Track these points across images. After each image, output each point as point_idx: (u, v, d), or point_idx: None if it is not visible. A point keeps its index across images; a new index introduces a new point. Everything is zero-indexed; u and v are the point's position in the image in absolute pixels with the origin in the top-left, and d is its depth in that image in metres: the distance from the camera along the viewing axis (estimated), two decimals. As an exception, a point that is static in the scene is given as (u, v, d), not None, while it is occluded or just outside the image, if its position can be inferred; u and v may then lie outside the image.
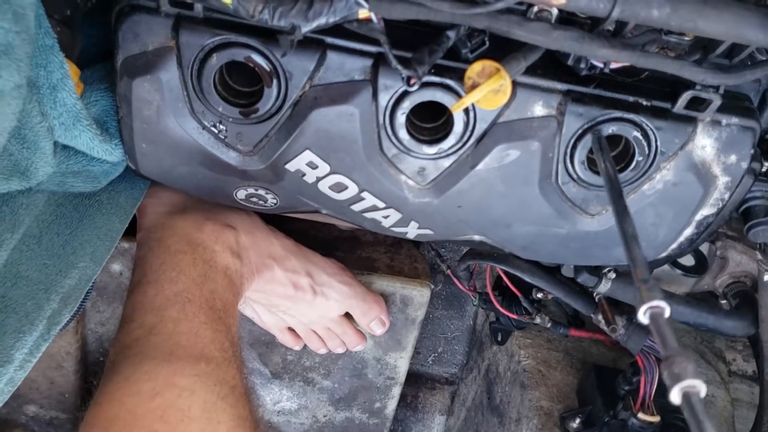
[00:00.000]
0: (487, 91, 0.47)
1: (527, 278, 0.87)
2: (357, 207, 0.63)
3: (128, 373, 0.60)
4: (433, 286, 0.99)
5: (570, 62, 0.55)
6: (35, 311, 0.62)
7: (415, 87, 0.51)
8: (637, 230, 0.62)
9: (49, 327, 0.64)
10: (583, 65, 0.53)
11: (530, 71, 0.55)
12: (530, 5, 0.50)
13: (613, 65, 0.54)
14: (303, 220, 0.96)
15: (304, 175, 0.60)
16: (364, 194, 0.61)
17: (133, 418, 0.57)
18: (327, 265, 0.89)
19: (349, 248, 1.00)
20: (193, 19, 0.52)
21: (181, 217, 0.77)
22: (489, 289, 0.96)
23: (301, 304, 0.88)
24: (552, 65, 0.56)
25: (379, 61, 0.54)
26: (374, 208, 0.63)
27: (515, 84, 0.55)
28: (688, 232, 0.64)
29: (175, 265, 0.71)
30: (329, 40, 0.53)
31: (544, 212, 0.61)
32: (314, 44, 0.53)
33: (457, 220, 0.63)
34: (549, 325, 0.98)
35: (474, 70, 0.48)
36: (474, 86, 0.48)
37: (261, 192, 0.63)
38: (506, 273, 0.95)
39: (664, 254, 0.67)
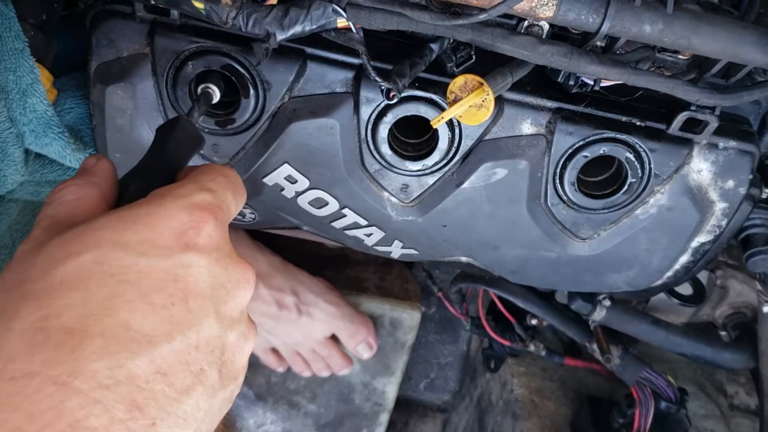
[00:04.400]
0: (469, 106, 0.45)
1: (520, 303, 0.84)
2: (338, 224, 0.60)
3: None
4: (424, 309, 0.97)
5: (560, 79, 0.53)
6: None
7: (395, 100, 0.49)
8: (631, 256, 0.60)
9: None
10: (573, 82, 0.51)
11: (519, 88, 0.53)
12: (521, 20, 0.48)
13: (604, 83, 0.51)
14: (291, 237, 0.94)
15: (282, 189, 0.57)
16: (345, 211, 0.59)
17: None
18: (314, 284, 0.86)
19: (338, 267, 0.98)
20: (169, 25, 0.50)
21: None
22: (481, 314, 0.93)
23: (286, 323, 0.85)
24: (542, 82, 0.54)
25: (361, 74, 0.52)
26: (356, 226, 0.60)
27: (503, 101, 0.53)
28: (684, 259, 0.61)
29: None
30: (310, 50, 0.51)
31: (532, 235, 0.59)
32: (294, 54, 0.51)
33: (442, 240, 0.61)
34: (544, 353, 0.95)
35: (456, 84, 0.46)
36: (456, 100, 0.46)
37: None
38: (500, 298, 0.93)
39: (659, 282, 0.64)
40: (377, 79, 0.46)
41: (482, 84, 0.45)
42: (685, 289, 0.79)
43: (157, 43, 0.51)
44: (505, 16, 0.47)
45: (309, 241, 0.96)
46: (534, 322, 0.95)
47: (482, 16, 0.42)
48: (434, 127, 0.47)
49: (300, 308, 0.84)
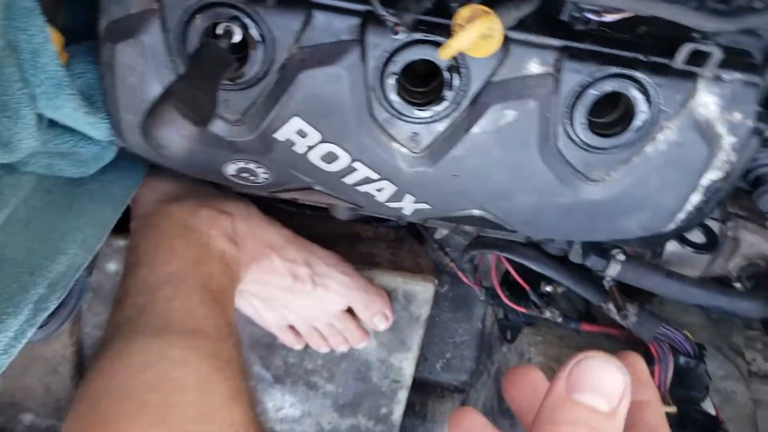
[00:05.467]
0: (477, 35, 0.45)
1: (534, 266, 0.84)
2: (349, 179, 0.61)
3: (120, 347, 0.59)
4: (437, 281, 0.97)
5: (565, 17, 0.53)
6: (20, 293, 0.60)
7: (401, 35, 0.49)
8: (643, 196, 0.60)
9: (35, 312, 0.62)
10: (578, 16, 0.51)
11: (524, 27, 0.53)
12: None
13: (607, 17, 0.52)
14: (300, 216, 0.95)
15: (293, 144, 0.58)
16: (356, 164, 0.59)
17: (123, 391, 0.55)
18: (327, 256, 0.87)
19: (349, 244, 0.98)
20: (174, -21, 0.51)
21: (176, 204, 0.76)
22: (494, 281, 0.93)
23: (301, 296, 0.86)
24: (548, 22, 0.54)
25: (368, 20, 0.52)
26: (367, 180, 0.61)
27: (509, 41, 0.54)
28: (696, 198, 0.61)
29: (169, 248, 0.70)
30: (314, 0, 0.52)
31: (544, 179, 0.59)
32: (299, 3, 0.52)
33: (454, 192, 0.61)
34: (560, 319, 0.95)
35: (462, 15, 0.46)
36: (463, 33, 0.46)
37: (251, 166, 0.61)
38: (513, 265, 0.93)
39: (672, 225, 0.64)
40: (383, 12, 0.46)
41: (488, 12, 0.45)
42: (697, 238, 0.79)
43: (164, -1, 0.51)
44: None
45: (319, 221, 0.97)
46: (548, 289, 0.95)
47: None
48: (442, 58, 0.47)
49: (315, 279, 0.84)
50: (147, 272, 0.68)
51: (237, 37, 0.52)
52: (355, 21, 0.52)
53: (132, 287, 0.67)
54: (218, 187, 0.82)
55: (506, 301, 0.93)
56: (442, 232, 1.08)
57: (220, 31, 0.51)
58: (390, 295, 0.95)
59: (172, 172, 0.82)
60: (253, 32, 0.52)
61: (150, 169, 0.80)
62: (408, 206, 0.64)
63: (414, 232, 1.06)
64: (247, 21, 0.51)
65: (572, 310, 1.00)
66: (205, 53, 0.45)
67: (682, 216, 0.63)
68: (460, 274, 0.96)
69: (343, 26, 0.53)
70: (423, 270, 0.98)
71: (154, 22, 0.52)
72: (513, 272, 0.92)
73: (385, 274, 0.94)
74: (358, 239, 1.00)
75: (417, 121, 0.56)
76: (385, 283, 0.94)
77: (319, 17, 0.52)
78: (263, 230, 0.81)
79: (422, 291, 0.96)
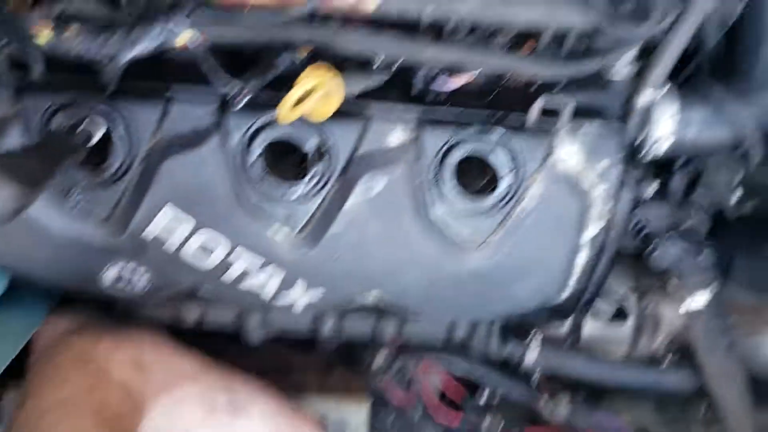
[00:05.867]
0: (315, 93, 0.47)
1: (458, 369, 0.82)
2: (229, 276, 0.59)
3: None
4: (372, 399, 0.92)
5: (417, 90, 0.56)
6: None
7: (240, 105, 0.50)
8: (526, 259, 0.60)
9: None
10: (425, 85, 0.54)
11: (383, 101, 0.56)
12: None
13: (453, 85, 0.54)
14: (222, 353, 0.91)
15: (164, 242, 0.57)
16: (234, 256, 0.58)
17: None
18: (248, 382, 0.82)
19: (277, 375, 0.94)
20: (32, 84, 0.53)
21: (77, 335, 0.73)
22: (425, 392, 0.89)
23: (221, 430, 0.80)
24: (404, 95, 0.57)
25: (226, 104, 0.54)
26: (247, 274, 0.59)
27: (369, 116, 0.55)
28: (583, 257, 0.61)
29: (62, 377, 0.66)
30: (172, 88, 0.54)
31: (426, 249, 0.59)
32: (156, 95, 0.54)
33: (342, 273, 0.60)
34: (502, 423, 0.90)
35: (304, 76, 0.48)
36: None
37: (129, 270, 0.60)
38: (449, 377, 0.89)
39: (566, 292, 0.62)
40: (221, 82, 0.48)
41: (330, 70, 0.47)
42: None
43: (23, 103, 0.53)
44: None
45: (242, 354, 0.93)
46: (483, 400, 0.91)
47: (306, 8, 0.46)
48: (280, 121, 0.48)
49: (235, 408, 0.79)
50: (36, 402, 0.64)
51: (99, 133, 0.53)
52: (213, 106, 0.54)
53: (20, 418, 0.62)
54: (127, 320, 0.80)
55: (441, 415, 0.89)
56: (378, 362, 1.04)
57: (81, 128, 0.52)
58: (322, 422, 0.89)
59: (77, 308, 0.80)
60: (113, 126, 0.53)
61: (55, 307, 0.78)
62: (301, 297, 0.62)
63: (346, 358, 1.02)
64: (104, 116, 0.53)
65: (515, 415, 0.95)
66: (50, 137, 0.46)
67: (574, 279, 0.62)
68: (392, 391, 0.92)
69: (201, 112, 0.54)
70: (355, 392, 0.93)
71: (15, 127, 0.53)
72: (444, 383, 0.89)
73: (315, 400, 0.90)
74: (286, 369, 0.96)
75: (288, 201, 0.56)
76: (316, 408, 0.89)
77: (177, 107, 0.54)
78: (175, 358, 0.77)
79: (356, 413, 0.91)
